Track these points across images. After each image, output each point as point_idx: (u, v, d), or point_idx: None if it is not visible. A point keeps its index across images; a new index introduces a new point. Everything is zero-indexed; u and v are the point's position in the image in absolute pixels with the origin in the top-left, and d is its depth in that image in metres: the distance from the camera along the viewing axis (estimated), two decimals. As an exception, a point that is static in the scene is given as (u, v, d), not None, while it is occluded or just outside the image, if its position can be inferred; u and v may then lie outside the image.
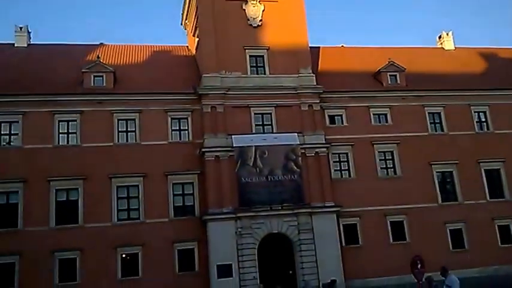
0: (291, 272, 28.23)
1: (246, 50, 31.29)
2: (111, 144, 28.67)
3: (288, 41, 31.69)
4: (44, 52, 32.97)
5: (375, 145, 31.56)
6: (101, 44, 35.27)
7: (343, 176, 30.99)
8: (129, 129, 29.32)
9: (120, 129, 29.12)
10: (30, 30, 34.46)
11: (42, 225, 26.39)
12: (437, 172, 32.21)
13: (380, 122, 32.42)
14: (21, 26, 34.07)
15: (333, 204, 29.21)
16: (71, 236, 26.32)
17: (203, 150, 28.75)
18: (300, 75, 31.26)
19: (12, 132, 27.77)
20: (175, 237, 27.52)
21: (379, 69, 33.89)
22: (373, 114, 32.37)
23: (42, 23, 79.06)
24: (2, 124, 27.65)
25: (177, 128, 30.00)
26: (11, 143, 27.75)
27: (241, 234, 27.51)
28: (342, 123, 31.80)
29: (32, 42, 34.49)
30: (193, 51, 35.26)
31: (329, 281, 14.13)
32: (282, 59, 31.24)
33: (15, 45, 33.67)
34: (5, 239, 25.61)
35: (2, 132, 27.63)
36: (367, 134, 31.52)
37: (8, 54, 32.78)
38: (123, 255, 26.98)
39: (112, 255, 26.62)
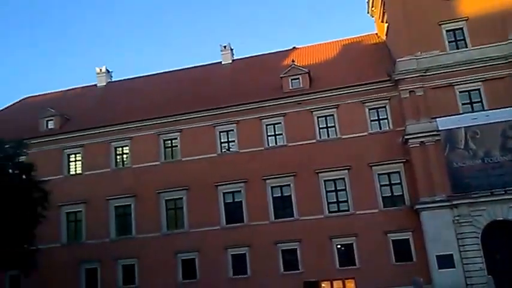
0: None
1: (442, 25, 29.20)
2: (314, 141, 30.08)
3: (490, 5, 28.49)
4: (245, 65, 36.69)
5: None
6: (294, 47, 37.44)
7: None
8: (328, 125, 30.34)
9: (320, 126, 30.35)
10: (232, 48, 38.72)
11: (264, 219, 29.26)
12: None
13: None
14: (225, 44, 38.52)
15: None
16: (289, 229, 28.56)
17: (406, 137, 27.91)
18: (510, 41, 27.76)
19: (229, 139, 31.51)
20: (388, 228, 27.38)
21: None
22: None
23: (241, 39, 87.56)
24: (221, 134, 31.61)
25: (376, 117, 29.83)
26: (230, 150, 31.48)
27: (459, 223, 25.82)
28: None
29: (235, 58, 38.66)
30: (384, 38, 34.55)
31: None
32: (484, 27, 28.22)
33: (222, 62, 38.27)
34: (236, 233, 29.26)
35: (222, 141, 31.55)
36: None
37: (217, 71, 37.52)
38: (338, 246, 28.09)
39: (327, 245, 27.94)
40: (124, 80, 40.57)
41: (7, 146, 26.99)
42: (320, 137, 30.19)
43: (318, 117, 30.45)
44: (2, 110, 40.30)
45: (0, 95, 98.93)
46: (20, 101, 41.95)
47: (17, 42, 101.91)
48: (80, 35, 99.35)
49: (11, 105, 41.22)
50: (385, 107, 29.73)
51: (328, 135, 30.22)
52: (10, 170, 27.37)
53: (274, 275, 28.14)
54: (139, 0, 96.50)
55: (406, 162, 28.14)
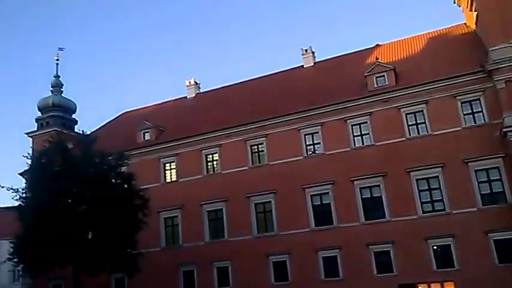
0: None
1: (540, 7, 26.96)
2: (403, 139, 29.09)
3: None
4: (328, 66, 36.66)
5: None
6: (377, 45, 36.67)
7: None
8: (418, 121, 29.18)
9: (409, 123, 29.30)
10: (314, 51, 38.79)
11: (354, 221, 28.81)
12: None
13: None
14: (306, 48, 38.79)
15: None
16: (381, 230, 27.89)
17: (504, 130, 25.94)
18: None
19: (314, 142, 31.48)
20: (489, 227, 25.62)
21: None
22: None
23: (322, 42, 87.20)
24: (306, 136, 31.68)
25: (469, 111, 28.15)
26: (316, 152, 31.46)
27: None
28: None
29: (316, 61, 38.73)
30: (473, 27, 32.59)
31: None
32: None
33: (304, 66, 38.59)
34: (326, 235, 29.15)
35: (307, 143, 31.64)
36: None
37: (299, 75, 37.94)
38: (435, 247, 26.81)
39: (423, 247, 26.77)
40: (211, 90, 42.45)
41: (110, 158, 29.36)
42: (409, 135, 29.14)
43: (406, 114, 29.43)
44: (104, 124, 44.04)
45: (103, 111, 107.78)
46: (119, 115, 45.60)
47: (116, 63, 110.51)
48: (169, 50, 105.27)
49: (112, 120, 44.93)
50: (479, 99, 27.98)
51: (418, 132, 29.05)
52: (113, 180, 29.71)
53: (368, 278, 27.54)
54: (219, 12, 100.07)
55: (506, 157, 26.19)
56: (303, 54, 38.97)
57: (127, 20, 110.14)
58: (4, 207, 41.89)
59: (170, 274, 32.17)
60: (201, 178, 33.87)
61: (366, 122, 30.20)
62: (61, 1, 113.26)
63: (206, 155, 34.29)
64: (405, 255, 26.98)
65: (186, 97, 43.11)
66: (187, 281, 32.33)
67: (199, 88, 43.59)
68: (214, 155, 34.14)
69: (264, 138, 32.62)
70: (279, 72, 39.66)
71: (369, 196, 29.10)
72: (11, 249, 27.93)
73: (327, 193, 30.01)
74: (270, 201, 31.43)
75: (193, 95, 42.73)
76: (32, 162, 29.80)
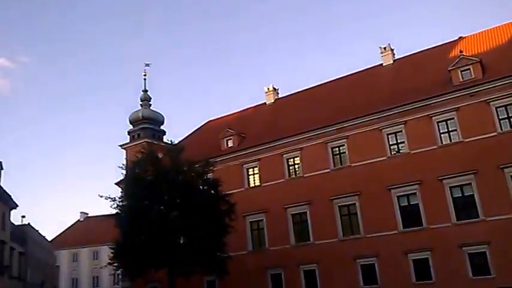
0: None
1: None
2: (495, 133, 27.49)
3: None
4: (408, 63, 35.56)
5: None
6: (460, 37, 34.95)
7: None
8: (510, 115, 27.45)
9: (500, 117, 27.64)
10: (393, 48, 37.79)
11: (445, 222, 27.66)
12: None
13: None
14: (384, 46, 37.91)
15: None
16: (476, 230, 26.56)
17: None
18: None
19: (398, 141, 30.64)
20: None
21: None
22: None
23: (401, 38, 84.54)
24: (389, 136, 30.93)
25: None
26: (400, 151, 30.62)
27: None
28: None
29: (395, 58, 37.75)
30: None
31: None
32: None
33: (383, 64, 37.72)
34: (415, 236, 28.22)
35: (390, 143, 30.88)
36: None
37: (379, 73, 37.20)
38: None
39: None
40: (290, 95, 42.82)
41: (197, 165, 30.74)
42: (501, 129, 27.46)
43: (496, 108, 27.79)
44: (190, 133, 46.13)
45: (189, 121, 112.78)
46: (204, 124, 47.53)
47: (198, 74, 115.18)
48: (248, 59, 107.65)
49: (197, 129, 46.95)
50: None
51: (511, 126, 27.30)
52: (201, 187, 31.02)
53: (463, 281, 26.28)
54: (294, 17, 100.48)
55: None
56: (381, 53, 38.06)
57: (208, 31, 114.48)
58: (104, 215, 45.43)
59: (258, 277, 32.81)
60: (284, 182, 34.32)
61: (453, 118, 28.95)
62: (146, 21, 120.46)
63: (287, 159, 34.68)
64: (503, 257, 25.41)
65: (265, 103, 43.90)
66: (275, 284, 32.77)
67: (278, 94, 44.14)
68: (295, 159, 34.45)
69: (344, 140, 32.38)
70: (357, 72, 39.14)
71: (460, 195, 27.84)
72: (111, 255, 30.17)
73: (414, 193, 29.10)
74: (355, 204, 31.08)
75: (272, 101, 43.35)
76: (126, 172, 32.01)
